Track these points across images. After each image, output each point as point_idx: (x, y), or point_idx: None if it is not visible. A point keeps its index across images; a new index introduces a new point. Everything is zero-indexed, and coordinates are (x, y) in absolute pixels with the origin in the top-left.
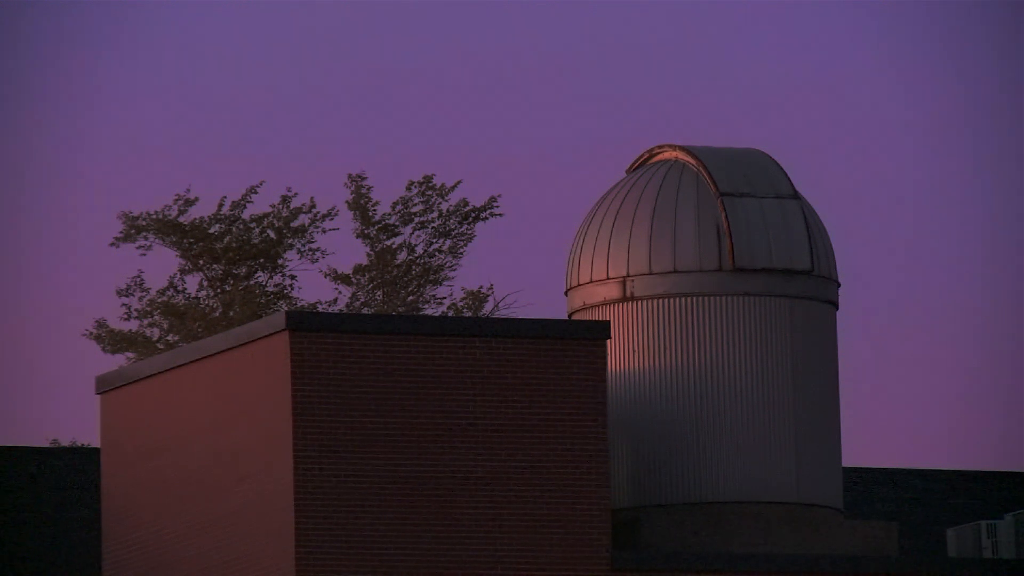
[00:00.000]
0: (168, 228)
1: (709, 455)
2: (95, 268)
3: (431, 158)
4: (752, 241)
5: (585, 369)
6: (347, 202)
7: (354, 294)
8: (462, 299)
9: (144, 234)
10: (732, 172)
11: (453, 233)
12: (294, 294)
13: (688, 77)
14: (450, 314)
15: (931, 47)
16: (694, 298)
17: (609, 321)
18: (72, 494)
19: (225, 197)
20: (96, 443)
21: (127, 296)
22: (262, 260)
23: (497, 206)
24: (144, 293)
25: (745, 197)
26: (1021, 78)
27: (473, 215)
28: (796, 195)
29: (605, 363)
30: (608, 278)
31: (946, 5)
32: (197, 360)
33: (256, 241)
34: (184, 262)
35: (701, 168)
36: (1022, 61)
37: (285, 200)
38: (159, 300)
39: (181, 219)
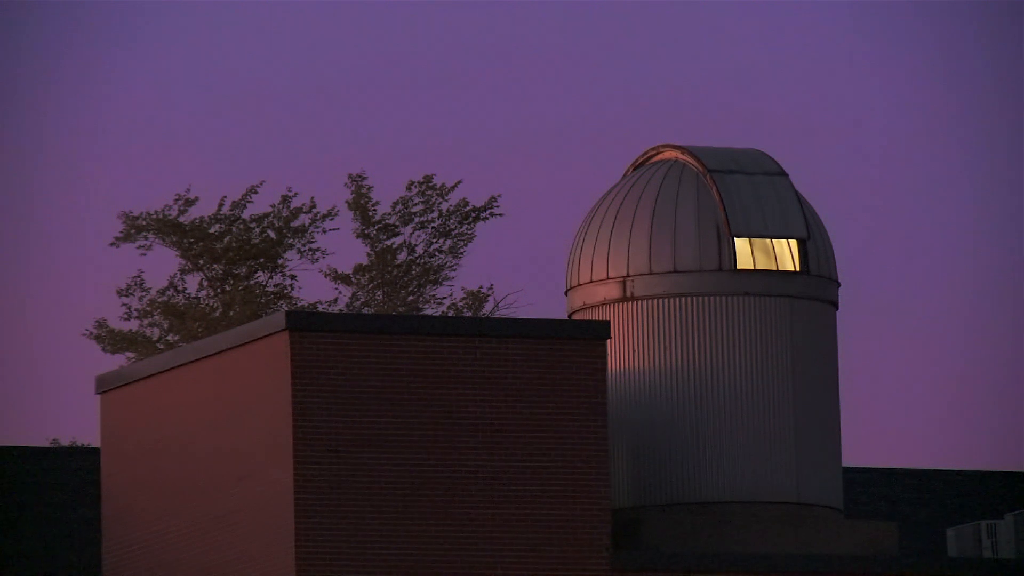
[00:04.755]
0: (168, 228)
1: (709, 455)
2: (95, 268)
3: (431, 158)
4: (746, 211)
5: (585, 369)
6: (347, 202)
7: (354, 294)
8: (462, 299)
9: (144, 234)
10: (721, 155)
11: (453, 233)
12: (294, 294)
13: (688, 77)
14: (450, 314)
15: (930, 49)
16: (694, 298)
17: (609, 321)
18: (72, 494)
19: (225, 197)
20: (96, 443)
21: (127, 296)
22: (262, 260)
23: (497, 206)
24: (144, 293)
25: (734, 174)
26: (1019, 79)
27: (473, 215)
28: (784, 173)
29: (605, 363)
30: (608, 278)
31: (945, 6)
32: (197, 360)
33: (256, 241)
34: (184, 262)
35: (689, 156)
36: (1020, 62)
37: (285, 200)
38: (159, 300)
39: (181, 219)
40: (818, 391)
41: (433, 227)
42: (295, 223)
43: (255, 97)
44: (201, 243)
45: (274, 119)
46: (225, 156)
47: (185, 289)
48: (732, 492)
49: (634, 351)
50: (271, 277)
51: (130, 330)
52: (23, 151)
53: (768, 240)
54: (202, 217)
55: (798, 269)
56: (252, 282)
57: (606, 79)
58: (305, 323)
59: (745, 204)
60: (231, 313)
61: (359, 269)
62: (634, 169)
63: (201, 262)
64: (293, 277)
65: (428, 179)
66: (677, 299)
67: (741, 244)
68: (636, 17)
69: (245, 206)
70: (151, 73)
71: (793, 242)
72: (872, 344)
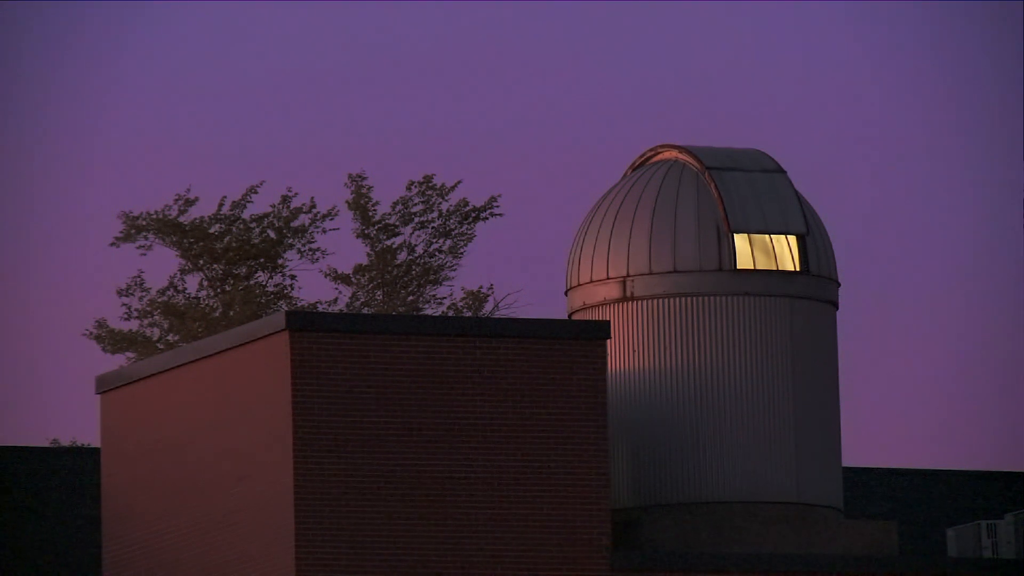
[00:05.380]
0: (168, 228)
1: (709, 455)
2: (95, 268)
3: (431, 158)
4: (745, 207)
5: (585, 369)
6: (347, 202)
7: (354, 294)
8: (462, 299)
9: (144, 234)
10: (719, 154)
11: (453, 233)
12: (294, 294)
13: (688, 77)
14: (450, 314)
15: (930, 49)
16: (694, 298)
17: (609, 321)
18: (72, 494)
19: (225, 197)
20: (96, 443)
21: (127, 296)
22: (262, 260)
23: (497, 206)
24: (144, 293)
25: (733, 171)
26: (1018, 79)
27: (473, 215)
28: (783, 171)
29: (605, 363)
30: (608, 278)
31: (944, 6)
32: (197, 360)
33: (256, 241)
34: (184, 262)
35: (688, 155)
36: (1019, 63)
37: (285, 200)
38: (159, 300)
39: (181, 219)
40: (818, 391)
41: (433, 227)
42: (295, 223)
43: (255, 97)
44: (201, 243)
45: (274, 119)
46: (225, 156)
47: (185, 289)
48: (732, 492)
49: (634, 351)
50: (271, 277)
51: (130, 330)
52: (23, 151)
53: (768, 238)
54: (202, 217)
55: (798, 269)
56: (252, 282)
57: (606, 79)
58: (305, 323)
59: (744, 201)
60: (231, 313)
61: (359, 269)
62: (634, 169)
63: (201, 262)
64: (293, 277)
65: (428, 179)
66: (677, 299)
67: (741, 244)
68: (636, 17)
69: (245, 206)
70: (151, 73)
71: (793, 241)
72: (872, 344)
